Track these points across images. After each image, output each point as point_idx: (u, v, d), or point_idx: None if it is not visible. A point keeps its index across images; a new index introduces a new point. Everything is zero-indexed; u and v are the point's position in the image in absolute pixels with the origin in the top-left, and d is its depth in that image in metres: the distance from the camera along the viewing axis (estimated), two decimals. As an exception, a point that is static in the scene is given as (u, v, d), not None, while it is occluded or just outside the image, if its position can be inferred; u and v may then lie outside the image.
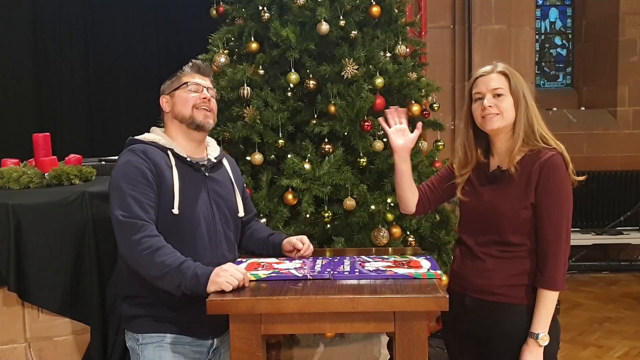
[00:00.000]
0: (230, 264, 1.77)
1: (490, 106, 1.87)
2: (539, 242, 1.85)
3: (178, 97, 1.99)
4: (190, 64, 2.05)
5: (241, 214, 2.09)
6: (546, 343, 1.82)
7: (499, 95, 1.88)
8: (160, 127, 2.07)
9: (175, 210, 1.86)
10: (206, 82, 2.04)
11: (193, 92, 1.98)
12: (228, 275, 1.68)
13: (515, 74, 1.91)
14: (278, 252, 2.08)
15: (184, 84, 1.99)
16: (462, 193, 2.00)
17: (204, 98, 1.98)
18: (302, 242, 2.04)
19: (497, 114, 1.87)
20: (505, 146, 1.92)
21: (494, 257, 1.89)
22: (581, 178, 1.88)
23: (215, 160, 2.06)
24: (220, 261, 1.92)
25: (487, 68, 1.93)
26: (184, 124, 1.98)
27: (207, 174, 2.00)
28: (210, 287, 1.68)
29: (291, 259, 2.01)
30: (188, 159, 1.97)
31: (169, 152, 1.94)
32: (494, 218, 1.88)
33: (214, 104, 2.03)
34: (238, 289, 1.69)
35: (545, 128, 1.91)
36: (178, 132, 2.00)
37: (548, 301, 1.82)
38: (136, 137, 1.99)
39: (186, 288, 1.72)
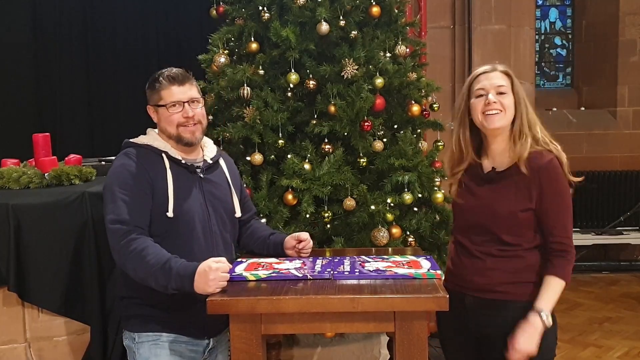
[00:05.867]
0: (212, 261, 1.70)
1: (494, 102, 1.87)
2: (549, 242, 1.87)
3: (162, 114, 1.95)
4: (165, 74, 1.96)
5: (238, 214, 2.08)
6: (549, 325, 1.82)
7: (502, 93, 1.89)
8: (158, 129, 2.06)
9: (170, 214, 1.85)
10: (185, 91, 1.94)
11: (175, 111, 1.93)
12: (217, 282, 1.67)
13: (514, 76, 1.93)
14: (279, 252, 2.07)
15: (163, 106, 1.93)
16: (457, 195, 2.00)
17: (186, 117, 1.93)
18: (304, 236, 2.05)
19: (500, 111, 1.88)
20: (501, 147, 1.92)
21: (494, 256, 1.89)
22: (579, 179, 1.90)
23: (211, 162, 2.04)
24: None
25: (488, 67, 1.94)
26: (172, 140, 1.96)
27: (202, 175, 1.99)
28: (199, 291, 1.68)
29: (291, 259, 2.01)
30: (183, 161, 1.95)
31: (164, 154, 1.93)
32: (491, 219, 1.89)
33: (199, 116, 1.96)
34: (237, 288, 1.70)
35: (544, 130, 1.92)
36: (169, 141, 1.97)
37: (556, 287, 1.84)
38: (131, 140, 1.98)
39: (173, 288, 1.73)
